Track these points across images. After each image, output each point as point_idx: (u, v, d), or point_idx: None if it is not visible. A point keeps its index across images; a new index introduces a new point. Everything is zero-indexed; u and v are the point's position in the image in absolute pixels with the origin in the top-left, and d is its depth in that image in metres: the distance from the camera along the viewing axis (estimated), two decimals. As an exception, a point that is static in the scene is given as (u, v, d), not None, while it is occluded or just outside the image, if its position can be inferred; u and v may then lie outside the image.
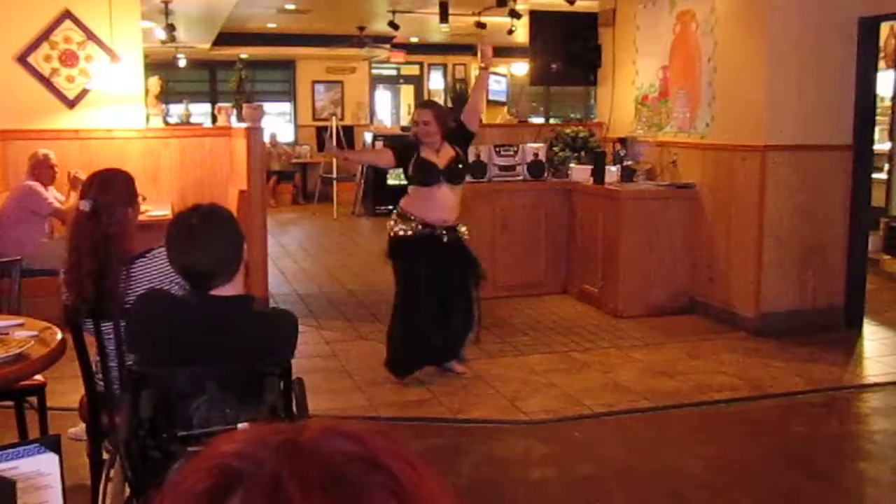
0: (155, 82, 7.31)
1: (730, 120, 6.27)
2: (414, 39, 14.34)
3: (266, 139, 11.06)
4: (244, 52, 14.74)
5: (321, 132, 13.69)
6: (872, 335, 6.17)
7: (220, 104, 10.47)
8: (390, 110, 18.08)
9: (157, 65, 10.11)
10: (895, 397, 5.00)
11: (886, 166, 8.51)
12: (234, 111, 9.04)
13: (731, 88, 6.25)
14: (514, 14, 9.78)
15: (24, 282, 3.90)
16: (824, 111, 5.98)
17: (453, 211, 4.89)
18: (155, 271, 2.97)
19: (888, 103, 8.70)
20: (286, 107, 16.35)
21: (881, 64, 7.21)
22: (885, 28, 7.43)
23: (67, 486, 1.53)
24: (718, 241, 6.39)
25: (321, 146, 12.93)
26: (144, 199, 4.01)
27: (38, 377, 3.31)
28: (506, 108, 14.51)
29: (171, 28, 9.88)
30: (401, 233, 4.87)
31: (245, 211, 6.03)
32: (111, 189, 3.09)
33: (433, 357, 5.09)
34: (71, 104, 6.66)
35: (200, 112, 13.41)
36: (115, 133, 6.76)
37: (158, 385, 2.28)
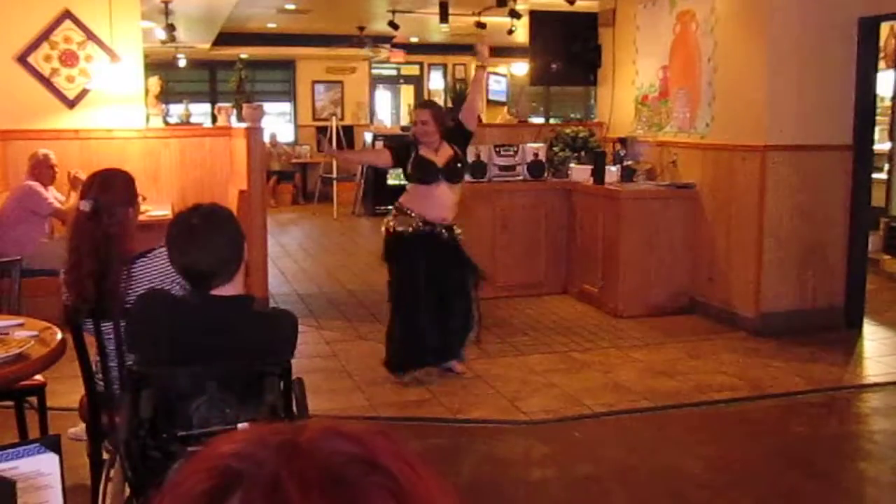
0: (155, 82, 7.31)
1: (730, 120, 6.27)
2: (414, 39, 14.34)
3: (266, 139, 11.06)
4: (244, 52, 14.74)
5: (321, 133, 13.69)
6: (872, 335, 6.17)
7: (220, 104, 10.45)
8: (390, 110, 18.07)
9: (157, 65, 10.10)
10: (895, 397, 5.00)
11: (886, 166, 8.51)
12: (234, 111, 9.04)
13: (731, 88, 6.25)
14: (514, 14, 9.77)
15: (24, 282, 3.91)
16: (824, 111, 5.98)
17: (452, 210, 4.91)
18: (155, 271, 2.97)
19: (888, 103, 8.70)
20: (286, 107, 16.34)
21: (881, 64, 7.21)
22: (885, 28, 7.43)
23: (67, 486, 1.53)
24: (718, 241, 6.39)
25: (321, 146, 12.93)
26: (145, 199, 4.01)
27: (38, 377, 3.31)
28: (506, 108, 14.51)
29: (171, 28, 9.88)
30: (399, 229, 4.87)
31: (245, 211, 6.03)
32: (111, 189, 3.09)
33: (432, 357, 5.09)
34: (71, 104, 6.66)
35: (200, 112, 13.40)
36: (115, 133, 6.76)
37: (158, 385, 2.28)
